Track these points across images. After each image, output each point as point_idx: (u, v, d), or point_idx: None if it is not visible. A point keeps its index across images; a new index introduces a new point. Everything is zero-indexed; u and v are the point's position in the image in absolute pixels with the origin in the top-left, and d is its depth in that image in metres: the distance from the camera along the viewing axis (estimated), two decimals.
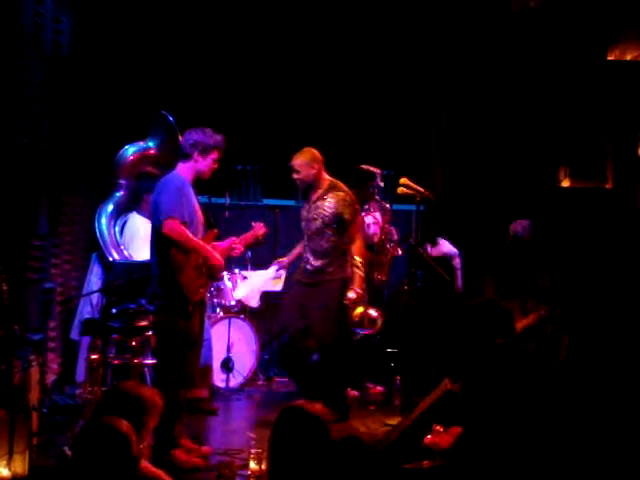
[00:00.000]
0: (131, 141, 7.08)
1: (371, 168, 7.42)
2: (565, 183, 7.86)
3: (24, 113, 5.89)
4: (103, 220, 6.91)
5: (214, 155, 5.22)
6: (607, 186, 7.79)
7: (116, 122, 7.35)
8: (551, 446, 3.71)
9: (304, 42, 8.37)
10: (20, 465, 4.32)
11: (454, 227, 8.21)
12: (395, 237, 7.44)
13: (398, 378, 6.88)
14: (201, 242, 5.08)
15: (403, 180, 6.34)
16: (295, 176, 6.25)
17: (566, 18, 7.74)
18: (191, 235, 5.01)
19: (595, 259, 7.29)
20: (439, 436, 4.43)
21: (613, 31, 7.65)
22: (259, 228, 5.67)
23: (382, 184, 7.52)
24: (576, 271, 6.97)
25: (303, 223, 6.37)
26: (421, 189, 6.30)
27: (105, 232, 6.87)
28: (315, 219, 6.22)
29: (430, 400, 4.96)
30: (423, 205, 6.44)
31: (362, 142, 8.46)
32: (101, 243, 6.82)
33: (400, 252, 7.30)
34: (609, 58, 7.68)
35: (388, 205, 7.43)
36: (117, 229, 7.00)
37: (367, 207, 7.48)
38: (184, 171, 5.20)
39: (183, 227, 4.97)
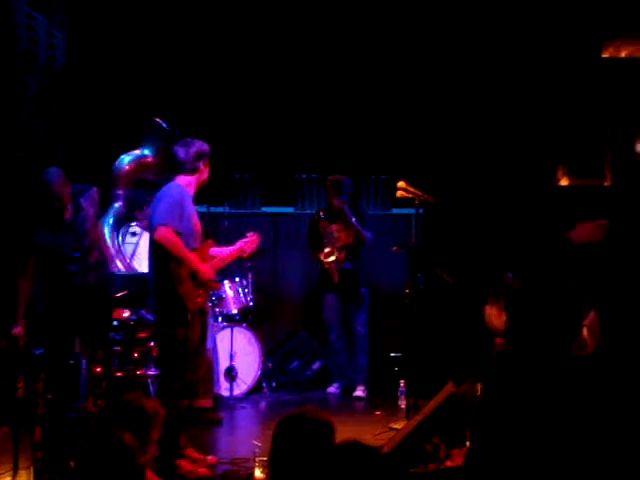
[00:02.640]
0: (128, 151, 7.09)
1: (337, 177, 7.53)
2: (563, 182, 7.84)
3: (20, 128, 5.89)
4: (105, 231, 6.92)
5: (208, 162, 5.30)
6: (606, 184, 7.78)
7: (113, 133, 7.36)
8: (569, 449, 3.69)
9: (300, 47, 8.36)
10: None
11: (453, 229, 8.21)
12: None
13: (403, 382, 6.87)
14: (191, 255, 5.07)
15: (401, 183, 6.33)
16: None
17: (561, 16, 7.74)
18: (182, 246, 5.02)
19: (595, 257, 7.27)
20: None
21: (607, 28, 7.65)
22: (253, 238, 5.60)
23: (351, 189, 7.61)
24: (577, 270, 6.95)
25: None
26: (419, 192, 6.29)
27: (108, 243, 6.88)
28: None
29: (435, 403, 4.95)
30: (422, 208, 6.44)
31: (358, 147, 8.46)
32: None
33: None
34: (604, 55, 7.67)
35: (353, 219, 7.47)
36: (120, 240, 7.00)
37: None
38: (187, 183, 5.23)
39: (175, 236, 4.99)
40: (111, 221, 6.97)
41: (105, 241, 6.25)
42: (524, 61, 7.95)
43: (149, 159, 7.07)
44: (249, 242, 5.55)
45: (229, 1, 8.17)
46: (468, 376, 5.52)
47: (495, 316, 6.76)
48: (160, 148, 6.95)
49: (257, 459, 4.39)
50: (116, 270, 6.66)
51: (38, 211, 5.77)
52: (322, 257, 7.47)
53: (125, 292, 5.98)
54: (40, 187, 5.73)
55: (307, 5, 8.20)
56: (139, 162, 7.07)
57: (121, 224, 7.06)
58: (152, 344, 6.14)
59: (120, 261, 6.80)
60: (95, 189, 6.01)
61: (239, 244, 5.52)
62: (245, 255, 5.60)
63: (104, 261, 6.04)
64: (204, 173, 5.28)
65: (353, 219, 7.45)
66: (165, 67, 8.10)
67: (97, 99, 7.43)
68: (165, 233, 4.98)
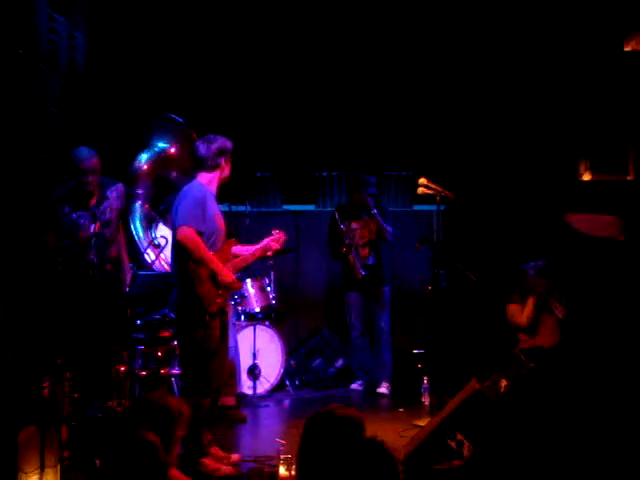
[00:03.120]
0: (142, 150, 7.11)
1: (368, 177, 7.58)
2: (586, 177, 7.79)
3: (43, 129, 5.94)
4: (137, 223, 6.96)
5: (231, 159, 5.29)
6: (629, 178, 7.72)
7: (133, 133, 7.39)
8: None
9: (321, 45, 8.35)
10: (52, 479, 4.34)
11: (475, 226, 8.18)
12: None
13: (426, 379, 6.86)
14: (212, 256, 5.06)
15: (422, 180, 6.31)
16: None
17: (583, 10, 7.69)
18: (203, 247, 5.01)
19: (617, 252, 7.22)
20: None
21: (630, 22, 7.58)
22: (280, 236, 5.55)
23: (375, 191, 7.64)
24: (599, 265, 6.91)
25: None
26: (440, 188, 6.27)
27: (142, 235, 6.91)
28: None
29: (458, 400, 4.94)
30: (444, 205, 6.42)
31: (379, 144, 8.45)
32: (138, 245, 6.88)
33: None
34: (626, 49, 7.61)
35: (375, 210, 7.47)
36: (153, 234, 7.05)
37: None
38: (209, 181, 5.22)
39: (197, 236, 5.00)
40: (138, 221, 7.01)
41: (124, 244, 6.22)
42: (547, 56, 7.90)
43: (168, 154, 7.08)
44: (274, 240, 5.50)
45: (244, 3, 8.18)
46: (491, 373, 5.52)
47: (517, 313, 6.77)
48: (177, 140, 6.95)
49: (281, 457, 4.39)
50: (151, 264, 6.69)
51: (66, 192, 5.80)
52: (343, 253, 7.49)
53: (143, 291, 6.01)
54: (69, 165, 5.78)
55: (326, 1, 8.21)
56: (158, 159, 7.08)
57: (151, 222, 7.11)
58: (175, 343, 6.17)
59: (156, 256, 6.81)
60: (123, 185, 6.04)
61: (264, 242, 5.50)
62: (270, 253, 5.57)
63: (120, 259, 6.04)
64: (225, 170, 5.26)
65: (374, 211, 7.45)
66: (186, 66, 8.12)
67: (118, 99, 7.46)
68: (187, 233, 4.99)
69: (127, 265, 6.17)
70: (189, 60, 8.14)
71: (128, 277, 6.11)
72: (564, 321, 6.45)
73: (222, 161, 5.21)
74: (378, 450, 2.59)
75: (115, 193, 5.91)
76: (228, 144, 5.26)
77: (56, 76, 6.29)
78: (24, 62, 5.67)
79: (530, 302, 6.69)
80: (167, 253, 6.60)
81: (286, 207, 8.68)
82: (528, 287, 6.87)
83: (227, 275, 5.11)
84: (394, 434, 5.82)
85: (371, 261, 7.54)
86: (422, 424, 5.80)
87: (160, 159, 7.13)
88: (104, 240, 5.80)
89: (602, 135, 7.75)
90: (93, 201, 5.82)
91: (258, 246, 5.48)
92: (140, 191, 7.02)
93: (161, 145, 7.11)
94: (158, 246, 6.55)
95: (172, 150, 7.13)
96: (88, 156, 5.76)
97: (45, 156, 5.93)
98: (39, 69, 5.93)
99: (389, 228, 7.51)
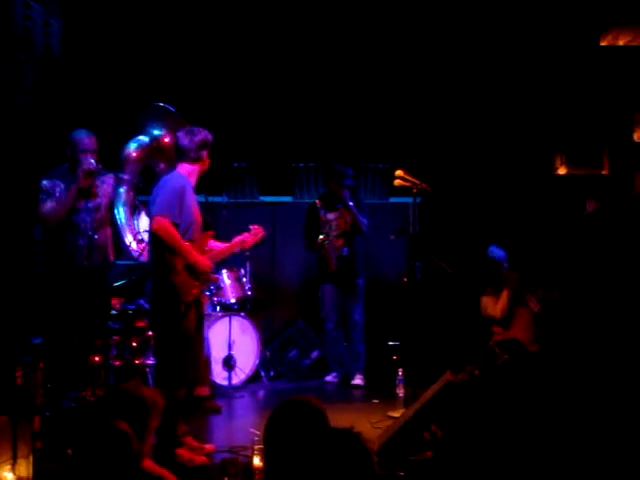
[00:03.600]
0: (125, 138, 7.07)
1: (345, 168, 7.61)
2: (561, 171, 7.85)
3: (19, 117, 5.88)
4: (120, 209, 6.93)
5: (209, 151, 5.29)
6: (603, 172, 7.78)
7: (111, 121, 7.34)
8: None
9: (296, 36, 8.34)
10: (24, 469, 4.32)
11: (451, 218, 8.22)
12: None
13: (401, 370, 6.89)
14: (187, 246, 5.06)
15: (399, 172, 6.33)
16: None
17: (559, 5, 7.73)
18: (178, 237, 5.01)
19: (593, 246, 7.28)
20: None
21: (605, 17, 7.64)
22: (258, 232, 5.59)
23: (352, 182, 7.67)
24: (574, 258, 6.97)
25: None
26: (417, 181, 6.29)
27: (124, 221, 6.87)
28: None
29: (432, 392, 4.97)
30: (420, 197, 6.44)
31: (356, 136, 8.46)
32: (120, 233, 6.85)
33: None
34: (602, 44, 7.66)
35: (351, 202, 7.54)
36: (136, 222, 7.01)
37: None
38: (189, 173, 5.22)
39: (172, 227, 4.99)
40: (121, 207, 6.98)
41: (110, 237, 6.17)
42: (522, 50, 7.94)
43: (160, 143, 7.04)
44: (252, 235, 5.52)
45: None
46: (465, 364, 5.55)
47: (491, 305, 6.83)
48: (170, 130, 6.92)
49: (255, 447, 4.39)
50: (134, 252, 6.66)
51: (61, 174, 5.75)
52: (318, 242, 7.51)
53: (124, 281, 5.98)
54: (66, 147, 5.74)
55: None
56: (147, 148, 7.05)
57: (134, 210, 7.08)
58: (150, 333, 6.15)
59: (138, 241, 6.77)
60: (113, 176, 6.03)
61: (241, 237, 5.50)
62: (246, 247, 5.58)
63: (107, 250, 6.00)
64: (206, 163, 5.28)
65: (351, 203, 7.48)
66: (162, 55, 8.08)
67: (95, 87, 7.42)
68: (162, 223, 4.99)
69: (111, 259, 6.13)
70: (166, 50, 8.10)
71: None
72: (539, 314, 6.49)
73: (204, 154, 5.22)
74: (353, 441, 2.60)
75: (110, 180, 5.92)
76: (209, 137, 5.27)
77: (32, 64, 6.23)
78: None
79: (504, 295, 6.75)
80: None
81: (263, 198, 8.66)
82: (502, 280, 6.93)
83: (204, 263, 5.11)
84: (368, 425, 5.85)
85: (345, 253, 7.56)
86: (396, 415, 5.84)
87: (152, 147, 7.10)
88: (93, 224, 5.77)
89: (577, 129, 7.81)
90: (89, 182, 5.78)
91: (235, 240, 5.49)
92: (127, 177, 6.98)
93: (156, 133, 7.08)
94: (142, 241, 6.53)
95: (166, 140, 7.10)
96: (87, 136, 5.76)
97: (21, 144, 5.88)
98: (14, 57, 5.87)
99: (364, 220, 7.54)
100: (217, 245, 5.51)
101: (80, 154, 5.72)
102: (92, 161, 5.70)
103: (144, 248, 6.46)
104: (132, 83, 7.81)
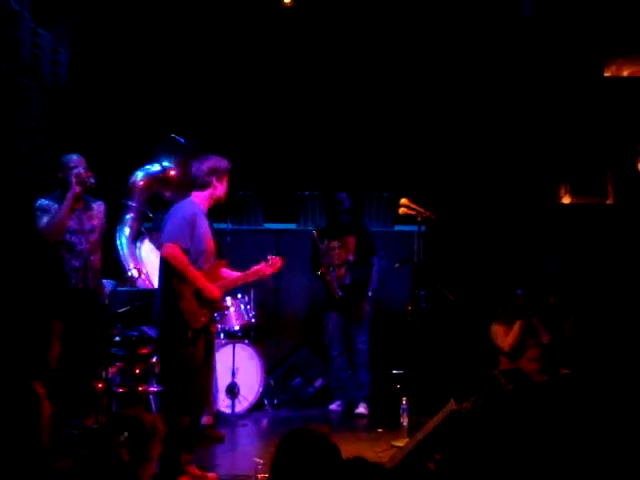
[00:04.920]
0: (133, 166, 7.11)
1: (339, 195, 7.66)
2: (566, 200, 7.86)
3: (24, 144, 5.92)
4: (123, 241, 6.95)
5: (226, 179, 5.30)
6: (608, 202, 7.79)
7: (116, 150, 7.38)
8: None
9: (302, 66, 8.40)
10: None
11: (456, 247, 8.21)
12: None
13: (405, 399, 6.85)
14: (197, 273, 5.06)
15: (404, 200, 6.33)
16: None
17: (563, 36, 7.77)
18: (187, 263, 5.01)
19: (598, 275, 7.28)
20: None
21: (609, 48, 7.68)
22: (275, 262, 5.44)
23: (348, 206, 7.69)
24: (580, 287, 6.95)
25: None
26: (422, 209, 6.29)
27: (126, 252, 6.90)
28: None
29: (436, 421, 4.93)
30: (425, 225, 6.44)
31: (361, 164, 8.48)
32: (122, 262, 6.86)
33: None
34: (606, 75, 7.70)
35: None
36: (137, 251, 7.03)
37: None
38: (200, 200, 5.24)
39: (181, 253, 4.99)
40: (127, 232, 6.99)
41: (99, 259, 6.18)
42: (527, 79, 7.98)
43: (167, 174, 7.08)
44: (269, 265, 5.43)
45: (231, 23, 8.19)
46: (470, 394, 5.52)
47: (502, 335, 6.68)
48: (180, 163, 6.96)
49: (259, 476, 4.38)
50: (134, 279, 6.67)
51: (53, 200, 5.76)
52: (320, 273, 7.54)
53: (127, 308, 5.96)
54: (58, 170, 5.76)
55: (310, 25, 8.24)
56: (155, 177, 7.09)
57: (137, 237, 7.10)
58: (154, 360, 6.14)
59: (138, 271, 6.79)
60: (104, 203, 6.05)
61: (258, 266, 5.43)
62: (263, 277, 5.50)
63: (100, 272, 6.00)
64: (218, 189, 5.26)
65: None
66: (169, 84, 8.13)
67: (101, 115, 7.46)
68: (171, 250, 4.99)
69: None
70: (173, 78, 8.15)
71: (107, 290, 6.09)
72: (549, 346, 6.40)
73: (213, 180, 5.22)
74: (362, 465, 2.57)
75: (101, 207, 5.94)
76: (222, 164, 5.27)
77: (39, 91, 6.28)
78: (7, 76, 5.66)
79: (517, 327, 6.51)
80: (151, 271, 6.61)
81: (267, 225, 8.68)
82: (516, 310, 6.77)
83: (212, 290, 5.10)
84: (372, 455, 5.79)
85: (347, 281, 7.56)
86: (400, 444, 5.79)
87: (159, 178, 7.14)
88: (87, 243, 5.78)
89: (582, 159, 7.82)
90: (80, 205, 5.80)
91: (252, 270, 5.44)
92: (134, 204, 7.01)
93: (165, 164, 7.13)
94: (131, 278, 6.56)
95: (172, 172, 7.15)
96: (76, 155, 5.79)
97: (26, 171, 5.91)
98: (22, 84, 5.92)
99: (374, 261, 7.60)
100: (230, 273, 5.49)
101: (71, 170, 5.72)
102: (81, 169, 5.71)
103: (145, 277, 6.49)
104: (134, 112, 7.85)
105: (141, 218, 7.28)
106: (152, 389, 6.22)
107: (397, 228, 8.66)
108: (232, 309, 7.41)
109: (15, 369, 5.26)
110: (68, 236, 5.72)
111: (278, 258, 5.47)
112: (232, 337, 7.44)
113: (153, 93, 8.02)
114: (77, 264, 5.73)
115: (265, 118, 8.42)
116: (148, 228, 7.40)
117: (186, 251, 5.03)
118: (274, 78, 8.40)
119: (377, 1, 8.12)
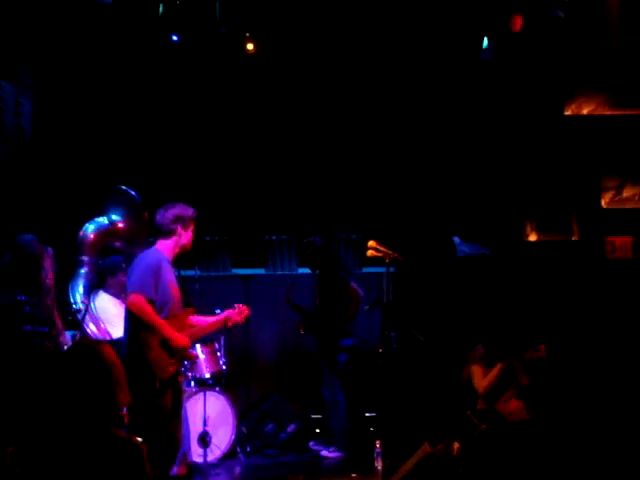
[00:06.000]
0: (93, 217, 7.07)
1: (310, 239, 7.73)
2: (532, 237, 7.92)
3: None
4: (78, 298, 6.85)
5: (192, 226, 5.28)
6: (574, 238, 7.87)
7: (79, 199, 7.34)
8: None
9: (266, 111, 8.45)
10: None
11: (425, 288, 8.22)
12: None
13: (379, 443, 6.79)
14: (163, 322, 5.02)
15: (371, 243, 6.34)
16: None
17: (525, 77, 7.90)
18: (153, 313, 4.97)
19: (566, 311, 7.32)
20: None
21: (569, 87, 7.81)
22: (242, 310, 5.45)
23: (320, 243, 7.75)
24: (547, 324, 6.99)
25: None
26: (389, 251, 6.30)
27: (80, 305, 6.80)
28: None
29: (411, 464, 4.91)
30: (393, 266, 6.45)
31: (328, 208, 8.50)
32: (80, 320, 6.76)
33: None
34: (566, 113, 7.83)
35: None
36: (92, 305, 6.94)
37: None
38: (165, 248, 5.20)
39: (146, 304, 4.95)
40: (81, 287, 6.90)
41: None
42: (491, 120, 8.08)
43: (115, 227, 7.04)
44: (237, 313, 5.41)
45: (193, 69, 8.23)
46: (444, 436, 5.49)
47: (478, 376, 6.53)
48: (128, 215, 6.93)
49: None
50: (92, 334, 6.57)
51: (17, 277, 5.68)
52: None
53: None
54: (19, 254, 5.68)
55: (271, 70, 8.31)
56: (105, 230, 7.04)
57: (91, 290, 6.99)
58: (123, 412, 6.03)
59: (95, 326, 6.70)
60: (51, 249, 5.96)
61: (225, 313, 5.43)
62: (229, 325, 5.47)
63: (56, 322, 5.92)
64: (183, 237, 5.24)
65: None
66: (133, 133, 8.12)
67: (64, 166, 7.42)
68: (136, 300, 4.95)
69: (61, 327, 6.05)
70: (137, 128, 8.15)
71: (67, 339, 6.01)
72: (527, 387, 6.29)
73: (178, 227, 5.20)
74: None
75: (49, 260, 5.85)
76: (187, 212, 5.26)
77: (2, 142, 6.24)
78: None
79: (496, 369, 6.33)
80: (110, 321, 6.53)
81: (235, 271, 8.65)
82: (500, 348, 6.62)
83: (180, 340, 5.04)
84: None
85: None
86: None
87: (107, 231, 7.09)
88: (49, 310, 5.70)
89: (546, 197, 7.91)
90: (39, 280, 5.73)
91: (219, 317, 5.42)
92: (86, 258, 6.94)
93: (114, 218, 7.09)
94: (78, 311, 6.47)
95: (120, 225, 7.10)
96: (32, 240, 5.69)
97: None
98: None
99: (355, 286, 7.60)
100: (200, 320, 5.44)
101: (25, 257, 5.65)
102: None
103: (82, 319, 6.42)
104: (96, 161, 7.81)
105: (94, 271, 7.20)
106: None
107: (365, 270, 8.67)
108: (202, 357, 7.34)
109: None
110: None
111: (245, 307, 5.46)
112: (203, 385, 7.36)
113: (114, 143, 8.01)
114: (42, 329, 5.64)
115: (230, 163, 8.44)
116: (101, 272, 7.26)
117: (152, 302, 4.98)
118: (238, 124, 8.43)
119: (334, 51, 8.16)
